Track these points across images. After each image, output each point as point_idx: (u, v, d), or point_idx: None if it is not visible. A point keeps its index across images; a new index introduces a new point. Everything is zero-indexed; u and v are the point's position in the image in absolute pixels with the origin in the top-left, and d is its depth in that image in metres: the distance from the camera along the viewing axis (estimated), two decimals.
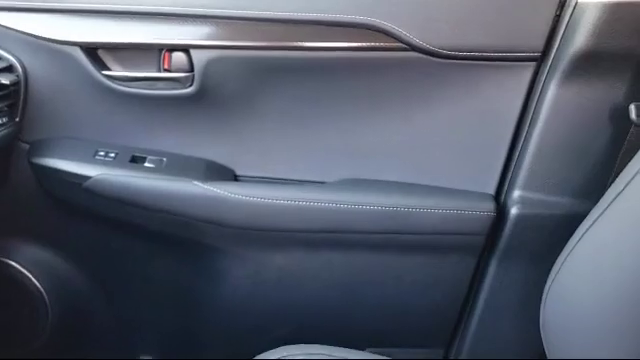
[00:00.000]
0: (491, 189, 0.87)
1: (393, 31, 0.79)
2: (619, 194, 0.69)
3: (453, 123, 0.85)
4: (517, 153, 0.85)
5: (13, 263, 0.92)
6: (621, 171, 0.69)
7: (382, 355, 0.79)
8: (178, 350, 1.01)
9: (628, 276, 0.66)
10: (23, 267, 0.93)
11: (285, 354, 0.76)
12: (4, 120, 0.79)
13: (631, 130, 0.77)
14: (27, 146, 0.86)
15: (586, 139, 0.81)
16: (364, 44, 0.81)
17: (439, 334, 0.94)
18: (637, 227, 0.66)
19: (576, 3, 0.77)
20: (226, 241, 0.88)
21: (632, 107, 0.76)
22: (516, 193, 0.84)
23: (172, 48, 0.81)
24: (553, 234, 0.81)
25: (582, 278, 0.73)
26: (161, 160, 0.86)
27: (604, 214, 0.71)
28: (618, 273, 0.68)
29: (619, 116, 0.78)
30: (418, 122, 0.85)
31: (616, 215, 0.69)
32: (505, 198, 0.86)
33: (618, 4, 0.74)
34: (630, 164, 0.68)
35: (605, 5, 0.74)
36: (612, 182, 0.70)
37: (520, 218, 0.83)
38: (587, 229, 0.72)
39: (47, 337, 0.97)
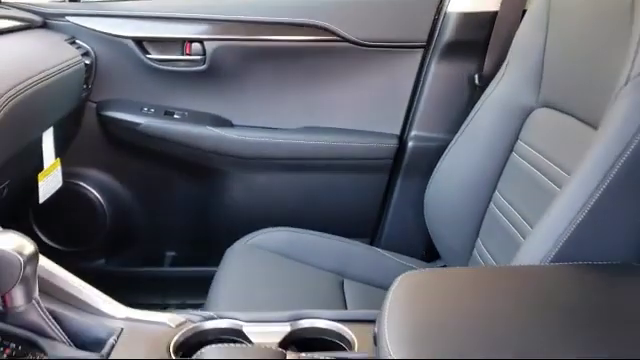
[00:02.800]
0: (397, 130, 1.34)
1: (332, 29, 1.26)
2: (466, 128, 1.16)
3: (371, 89, 1.32)
4: (413, 107, 1.32)
5: (83, 184, 1.37)
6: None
7: None
8: (193, 246, 1.47)
9: (465, 176, 1.13)
10: (90, 187, 1.38)
11: (266, 231, 1.22)
12: (84, 87, 1.24)
13: (477, 90, 1.24)
14: (94, 105, 1.31)
15: (453, 97, 1.28)
16: (314, 37, 1.28)
17: (366, 227, 1.41)
18: (472, 146, 1.12)
19: (446, 11, 1.24)
20: (227, 166, 1.34)
21: (476, 76, 1.25)
22: (412, 132, 1.31)
23: (191, 40, 1.27)
24: (434, 157, 1.25)
25: (444, 179, 1.19)
26: (184, 113, 1.32)
27: (457, 141, 1.18)
28: (461, 175, 1.14)
29: (471, 82, 1.26)
30: (349, 89, 1.33)
31: (463, 141, 1.16)
32: (405, 136, 1.33)
33: (468, 13, 1.21)
34: (472, 110, 1.15)
35: (461, 13, 1.22)
36: None
37: (414, 148, 1.31)
38: (449, 150, 1.19)
39: (105, 235, 1.42)
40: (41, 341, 0.65)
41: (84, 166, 1.36)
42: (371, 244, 1.41)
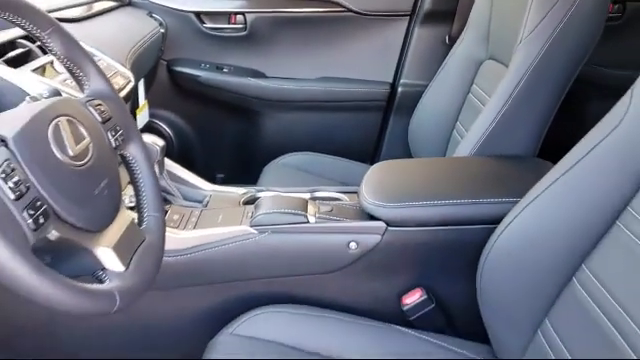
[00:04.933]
0: (389, 79, 1.78)
1: (340, 2, 1.69)
2: (437, 76, 1.59)
3: (370, 48, 1.76)
4: (402, 61, 1.75)
5: (157, 121, 1.85)
6: None
7: None
8: (237, 169, 1.93)
9: (437, 112, 1.55)
10: (162, 123, 1.85)
11: (291, 155, 1.67)
12: (159, 49, 1.69)
13: (447, 48, 1.65)
14: (165, 62, 1.77)
15: (431, 53, 1.71)
16: (326, 9, 1.71)
17: (367, 152, 1.86)
18: (442, 90, 1.54)
19: None
20: (262, 107, 1.81)
21: (446, 37, 1.67)
22: (402, 80, 1.75)
23: (236, 13, 1.72)
24: (417, 99, 1.65)
25: (422, 116, 1.62)
26: (231, 68, 1.77)
27: (431, 86, 1.60)
28: (433, 112, 1.56)
29: (443, 41, 1.68)
30: (353, 48, 1.77)
31: (435, 86, 1.58)
32: (396, 83, 1.77)
33: None
34: (443, 63, 1.57)
35: None
36: None
37: (402, 92, 1.75)
38: (425, 93, 1.61)
39: (174, 157, 1.88)
40: (169, 197, 1.13)
41: (158, 108, 1.83)
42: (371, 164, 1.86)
